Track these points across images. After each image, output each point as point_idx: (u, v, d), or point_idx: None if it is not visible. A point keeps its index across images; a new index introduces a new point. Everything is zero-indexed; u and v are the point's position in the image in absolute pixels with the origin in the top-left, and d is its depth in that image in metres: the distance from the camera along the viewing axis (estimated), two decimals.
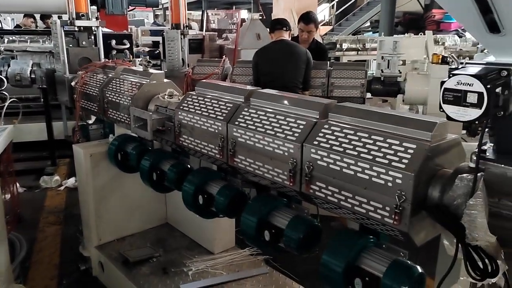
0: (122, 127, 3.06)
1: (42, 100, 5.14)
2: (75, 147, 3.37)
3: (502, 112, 1.05)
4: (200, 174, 2.43)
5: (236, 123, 2.15)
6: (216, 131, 2.24)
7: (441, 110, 1.10)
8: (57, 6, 4.96)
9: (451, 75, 1.07)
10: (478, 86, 1.01)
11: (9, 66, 4.85)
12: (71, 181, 5.20)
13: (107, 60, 3.69)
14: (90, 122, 3.73)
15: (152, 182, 2.71)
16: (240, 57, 7.00)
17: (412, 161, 1.49)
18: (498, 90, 1.02)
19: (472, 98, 1.03)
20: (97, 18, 3.82)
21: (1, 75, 4.75)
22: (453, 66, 1.28)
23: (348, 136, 1.72)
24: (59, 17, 3.64)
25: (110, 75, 3.22)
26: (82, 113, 3.52)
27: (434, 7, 14.51)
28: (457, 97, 1.05)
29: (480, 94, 1.01)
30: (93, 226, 3.38)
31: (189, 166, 2.70)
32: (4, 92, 4.21)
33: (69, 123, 4.28)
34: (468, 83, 1.03)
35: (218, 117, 2.25)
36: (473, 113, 1.04)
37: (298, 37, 4.74)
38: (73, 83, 3.52)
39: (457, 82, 1.05)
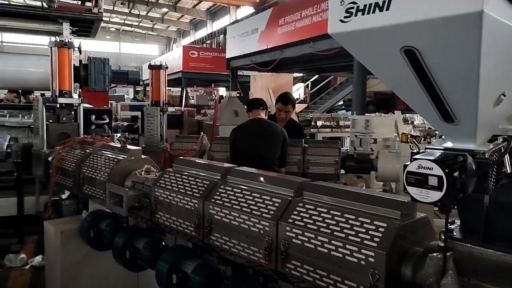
0: (96, 203, 3.02)
1: (15, 174, 5.05)
2: (46, 223, 3.27)
3: (461, 194, 1.12)
4: (174, 252, 2.39)
5: (213, 200, 2.17)
6: (193, 208, 2.25)
7: (405, 191, 1.16)
8: (39, 82, 5.08)
9: (412, 159, 1.15)
10: (438, 170, 1.09)
11: None
12: (37, 260, 4.93)
13: (85, 135, 3.73)
14: (64, 197, 3.67)
15: (125, 260, 2.63)
16: (218, 133, 7.17)
17: (383, 240, 1.53)
18: (455, 174, 1.10)
19: (433, 181, 1.10)
20: (79, 95, 3.93)
21: None
22: (415, 150, 1.37)
23: (322, 214, 1.76)
24: (42, 94, 3.72)
25: (87, 151, 3.24)
26: (55, 188, 3.47)
27: None
28: (419, 180, 1.12)
29: (440, 178, 1.09)
30: None
31: (164, 243, 2.65)
32: None
33: (41, 197, 4.19)
34: (428, 167, 1.11)
35: (195, 194, 2.27)
36: (434, 195, 1.10)
37: (275, 115, 4.93)
38: (49, 158, 3.52)
39: (418, 166, 1.13)
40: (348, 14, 1.06)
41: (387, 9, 0.99)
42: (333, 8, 1.09)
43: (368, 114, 8.20)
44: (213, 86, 21.38)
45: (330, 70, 14.22)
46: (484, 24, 0.89)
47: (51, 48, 3.80)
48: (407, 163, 1.16)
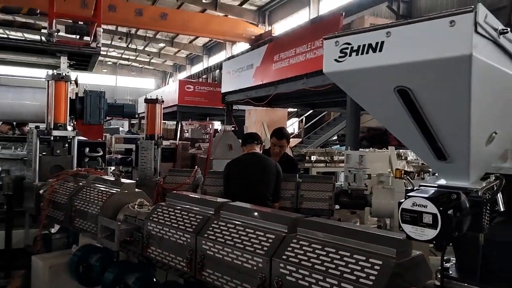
0: (87, 237, 2.97)
1: (5, 207, 4.96)
2: (34, 258, 3.19)
3: (456, 233, 1.12)
4: None
5: (206, 235, 2.14)
6: (185, 243, 2.22)
7: (401, 229, 1.16)
8: (35, 114, 5.09)
9: (407, 197, 1.16)
10: (432, 208, 1.09)
11: None
12: None
13: (79, 168, 3.71)
14: (53, 231, 3.60)
15: None
16: (212, 167, 7.15)
17: (379, 278, 1.51)
18: (450, 212, 1.10)
19: (427, 219, 1.10)
20: (74, 128, 3.94)
21: None
22: (409, 187, 1.39)
23: (316, 251, 1.74)
24: (36, 127, 3.72)
25: (81, 184, 3.22)
26: (46, 221, 3.41)
27: None
28: (414, 218, 1.12)
29: (435, 216, 1.09)
30: None
31: (155, 279, 2.59)
32: None
33: (31, 231, 4.11)
34: (423, 205, 1.12)
35: (188, 229, 2.24)
36: (429, 233, 1.10)
37: (269, 150, 4.96)
38: (41, 191, 3.47)
39: (413, 203, 1.13)
40: (343, 54, 1.09)
41: (380, 50, 1.02)
42: (328, 48, 1.13)
43: (362, 150, 8.27)
44: (208, 120, 21.53)
45: (323, 105, 14.41)
46: (473, 66, 0.92)
47: (47, 81, 3.84)
48: (401, 200, 1.17)
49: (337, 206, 4.56)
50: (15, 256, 5.21)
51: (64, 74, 3.82)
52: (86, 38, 5.52)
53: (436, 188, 1.22)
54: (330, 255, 1.69)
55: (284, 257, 1.79)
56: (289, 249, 1.82)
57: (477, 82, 0.95)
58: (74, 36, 5.90)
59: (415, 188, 1.26)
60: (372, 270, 1.54)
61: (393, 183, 4.65)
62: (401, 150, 10.22)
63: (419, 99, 1.05)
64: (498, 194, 1.20)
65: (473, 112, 1.01)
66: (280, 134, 4.85)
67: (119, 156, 9.65)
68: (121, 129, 18.45)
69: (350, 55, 1.07)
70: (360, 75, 1.08)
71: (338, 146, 14.21)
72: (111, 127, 16.94)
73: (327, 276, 1.62)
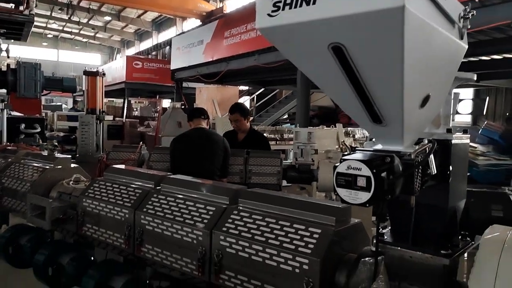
0: (18, 216, 2.77)
1: None
2: None
3: (389, 196, 1.11)
4: (101, 267, 2.22)
5: (144, 210, 2.06)
6: (123, 219, 2.12)
7: (335, 193, 1.14)
8: None
9: (342, 160, 1.13)
10: (366, 170, 1.07)
11: None
12: None
13: (8, 143, 3.44)
14: None
15: (48, 278, 2.41)
16: (161, 144, 6.97)
17: (317, 246, 1.50)
18: (383, 174, 1.08)
19: (361, 182, 1.08)
20: (2, 101, 3.63)
21: None
22: (346, 153, 1.39)
23: (257, 222, 1.71)
24: None
25: (9, 160, 2.98)
26: None
27: None
28: (348, 181, 1.10)
29: (368, 178, 1.07)
30: None
31: (92, 259, 2.47)
32: None
33: None
34: (357, 168, 1.09)
35: (126, 203, 2.15)
36: (363, 196, 1.08)
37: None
38: None
39: (348, 167, 1.11)
40: (276, 8, 1.02)
41: (314, 3, 0.96)
42: (261, 2, 1.05)
43: (311, 127, 8.38)
44: (158, 97, 20.95)
45: (275, 83, 14.44)
46: (406, 20, 0.88)
47: None
48: (337, 164, 1.14)
49: (285, 183, 4.58)
50: None
51: None
52: (21, 8, 5.11)
53: (371, 152, 1.21)
54: (270, 225, 1.67)
55: (224, 229, 1.75)
56: (230, 220, 1.77)
57: (410, 38, 0.92)
58: (9, 6, 5.47)
59: (351, 153, 1.24)
60: (311, 238, 1.53)
61: (339, 158, 4.74)
62: (349, 128, 10.48)
63: (353, 57, 1.01)
64: (431, 157, 1.20)
65: (406, 72, 0.98)
66: (231, 108, 4.80)
67: (62, 134, 9.18)
68: (64, 106, 17.57)
69: (283, 9, 1.00)
70: (293, 30, 1.01)
71: (289, 124, 14.35)
72: (53, 104, 16.08)
73: (267, 247, 1.60)
